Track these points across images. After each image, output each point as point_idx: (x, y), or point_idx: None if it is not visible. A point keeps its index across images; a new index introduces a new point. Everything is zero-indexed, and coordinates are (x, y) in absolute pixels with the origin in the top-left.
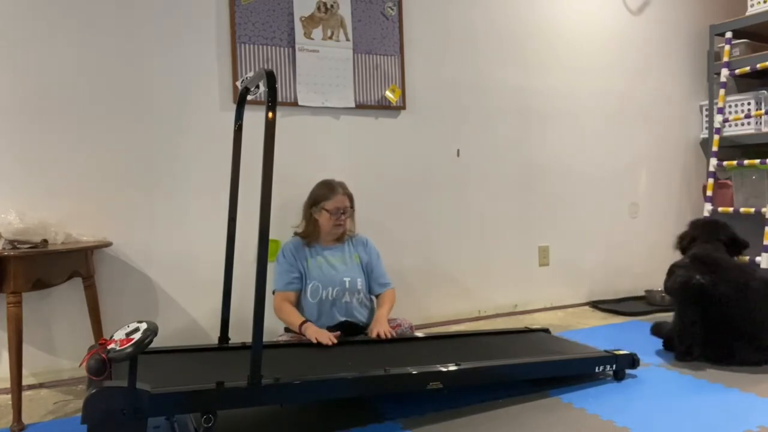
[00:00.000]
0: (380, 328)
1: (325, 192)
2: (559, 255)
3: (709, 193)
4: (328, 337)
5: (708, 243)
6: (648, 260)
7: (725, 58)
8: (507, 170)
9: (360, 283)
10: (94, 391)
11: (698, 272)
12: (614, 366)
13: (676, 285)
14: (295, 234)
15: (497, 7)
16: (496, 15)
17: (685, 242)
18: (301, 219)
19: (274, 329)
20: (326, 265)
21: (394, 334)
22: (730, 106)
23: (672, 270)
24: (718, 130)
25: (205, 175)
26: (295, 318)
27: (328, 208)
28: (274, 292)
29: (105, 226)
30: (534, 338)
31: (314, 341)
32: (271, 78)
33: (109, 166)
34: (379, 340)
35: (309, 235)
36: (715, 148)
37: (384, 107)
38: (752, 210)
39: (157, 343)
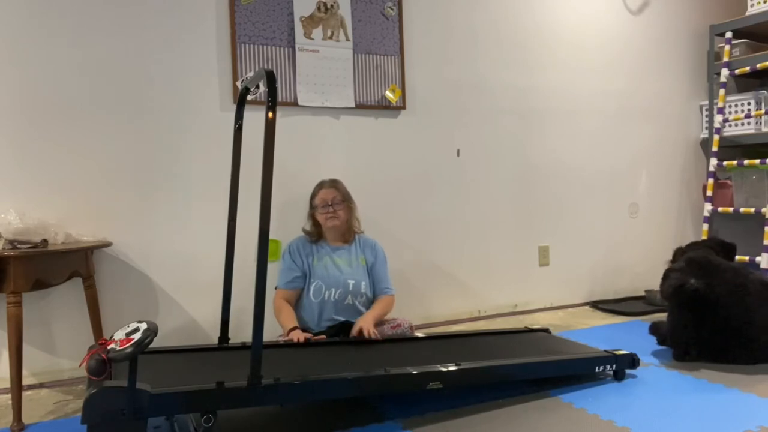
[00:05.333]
0: (363, 324)
1: (314, 190)
2: (559, 255)
3: (709, 193)
4: (296, 337)
5: (699, 249)
6: (648, 260)
7: (725, 58)
8: (507, 170)
9: (364, 285)
10: (94, 391)
11: (693, 276)
12: (614, 366)
13: (670, 289)
14: (304, 231)
15: (497, 7)
16: (496, 15)
17: (677, 254)
18: (307, 219)
19: (274, 329)
20: (332, 266)
21: (377, 335)
22: (730, 106)
23: (667, 274)
24: (718, 130)
25: (205, 175)
26: (288, 323)
27: (316, 203)
28: (276, 288)
29: (105, 226)
30: (534, 338)
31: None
32: (271, 78)
33: (109, 166)
34: (378, 341)
35: (314, 234)
36: (715, 148)
37: (384, 107)
38: (752, 210)
39: (157, 343)
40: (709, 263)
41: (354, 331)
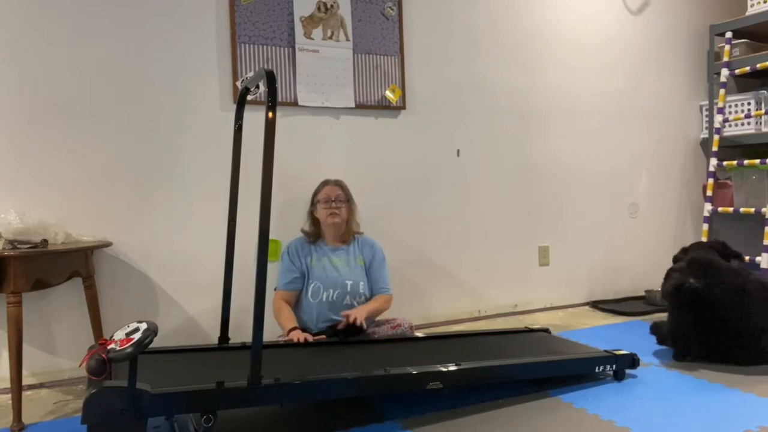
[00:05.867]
0: (353, 311)
1: (318, 187)
2: (559, 255)
3: (709, 193)
4: (297, 337)
5: (701, 249)
6: (648, 260)
7: (725, 58)
8: (507, 170)
9: (362, 286)
10: (94, 391)
11: (693, 276)
12: (614, 366)
13: (670, 289)
14: (302, 231)
15: (497, 7)
16: (496, 15)
17: (679, 254)
18: (306, 218)
19: (274, 329)
20: (330, 267)
21: (364, 325)
22: (730, 106)
23: (668, 274)
24: (718, 130)
25: (205, 175)
26: (288, 323)
27: (319, 198)
28: (275, 289)
29: (105, 226)
30: (534, 338)
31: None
32: (271, 78)
33: (109, 166)
34: (378, 341)
35: (313, 234)
36: (715, 148)
37: (384, 107)
38: (752, 210)
39: (157, 342)
40: (710, 264)
41: (342, 316)
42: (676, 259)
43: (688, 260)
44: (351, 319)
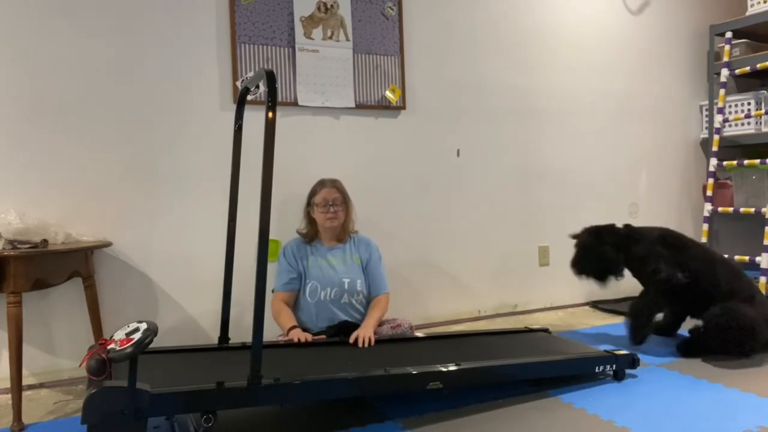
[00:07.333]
0: (362, 332)
1: (314, 188)
2: (559, 255)
3: (709, 193)
4: (297, 336)
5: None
6: None
7: (725, 58)
8: (507, 170)
9: (360, 284)
10: (94, 391)
11: (680, 269)
12: (614, 366)
13: (660, 283)
14: (298, 233)
15: (497, 7)
16: (496, 15)
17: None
18: (303, 218)
19: (274, 330)
20: (326, 266)
21: (372, 343)
22: (730, 106)
23: (657, 268)
24: (718, 130)
25: (205, 175)
26: (287, 322)
27: (317, 201)
28: (273, 291)
29: (105, 226)
30: (534, 338)
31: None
32: (271, 78)
33: (109, 166)
34: (378, 341)
35: (309, 234)
36: (715, 148)
37: (384, 107)
38: (752, 210)
39: (156, 342)
40: (679, 239)
41: (351, 339)
42: (578, 237)
43: (658, 238)
44: (361, 343)
